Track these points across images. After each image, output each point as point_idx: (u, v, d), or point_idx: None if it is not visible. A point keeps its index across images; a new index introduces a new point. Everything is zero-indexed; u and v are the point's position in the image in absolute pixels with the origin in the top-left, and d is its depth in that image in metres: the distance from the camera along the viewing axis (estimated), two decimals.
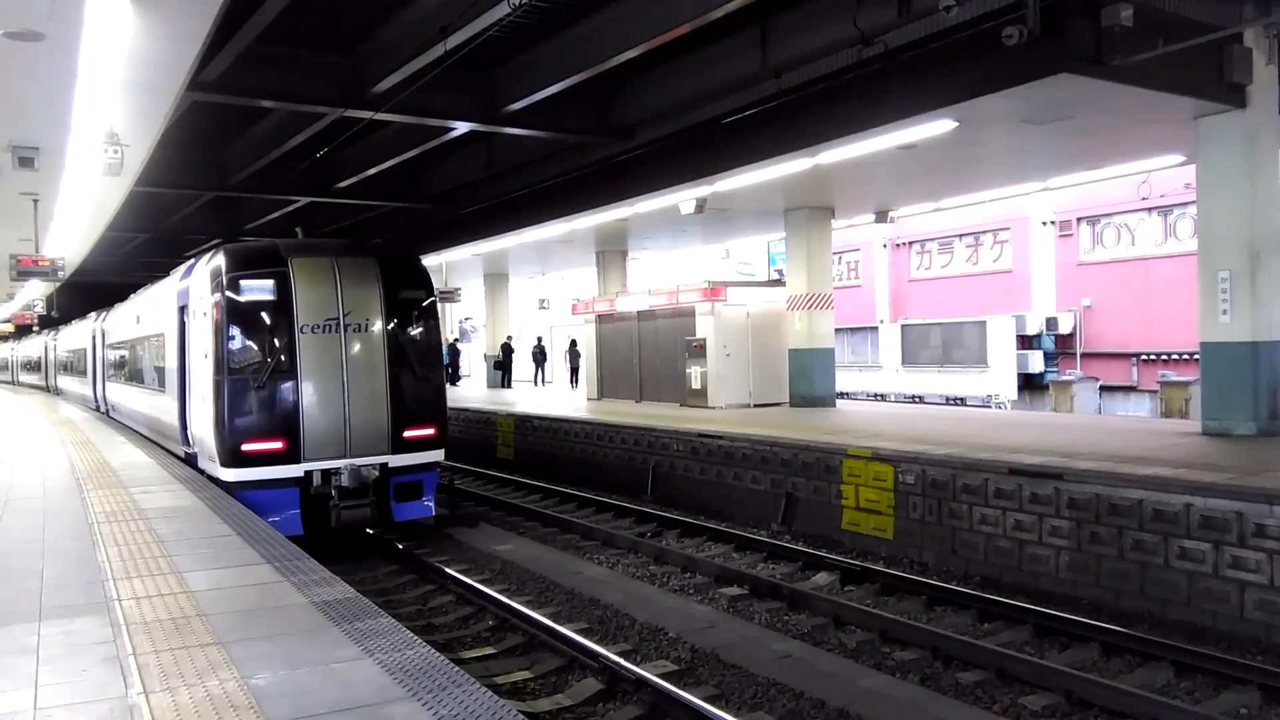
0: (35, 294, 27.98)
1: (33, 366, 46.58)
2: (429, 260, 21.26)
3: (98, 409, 24.14)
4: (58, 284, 23.91)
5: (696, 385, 18.41)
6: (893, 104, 10.96)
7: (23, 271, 14.19)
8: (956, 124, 11.04)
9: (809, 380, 18.09)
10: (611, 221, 18.60)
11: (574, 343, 29.10)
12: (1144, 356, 24.76)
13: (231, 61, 10.76)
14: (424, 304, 11.88)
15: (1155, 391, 22.13)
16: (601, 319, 21.85)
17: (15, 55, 6.93)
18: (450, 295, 27.58)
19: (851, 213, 19.78)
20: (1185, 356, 22.74)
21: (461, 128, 13.70)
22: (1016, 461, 9.77)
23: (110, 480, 10.81)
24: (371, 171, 16.52)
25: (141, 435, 16.76)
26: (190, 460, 12.48)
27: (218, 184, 17.67)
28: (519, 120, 13.22)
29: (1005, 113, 11.07)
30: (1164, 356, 24.05)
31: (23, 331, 47.17)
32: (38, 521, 8.34)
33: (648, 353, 20.39)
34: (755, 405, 18.33)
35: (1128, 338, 25.12)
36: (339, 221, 22.44)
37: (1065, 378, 24.52)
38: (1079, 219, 26.35)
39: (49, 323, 37.08)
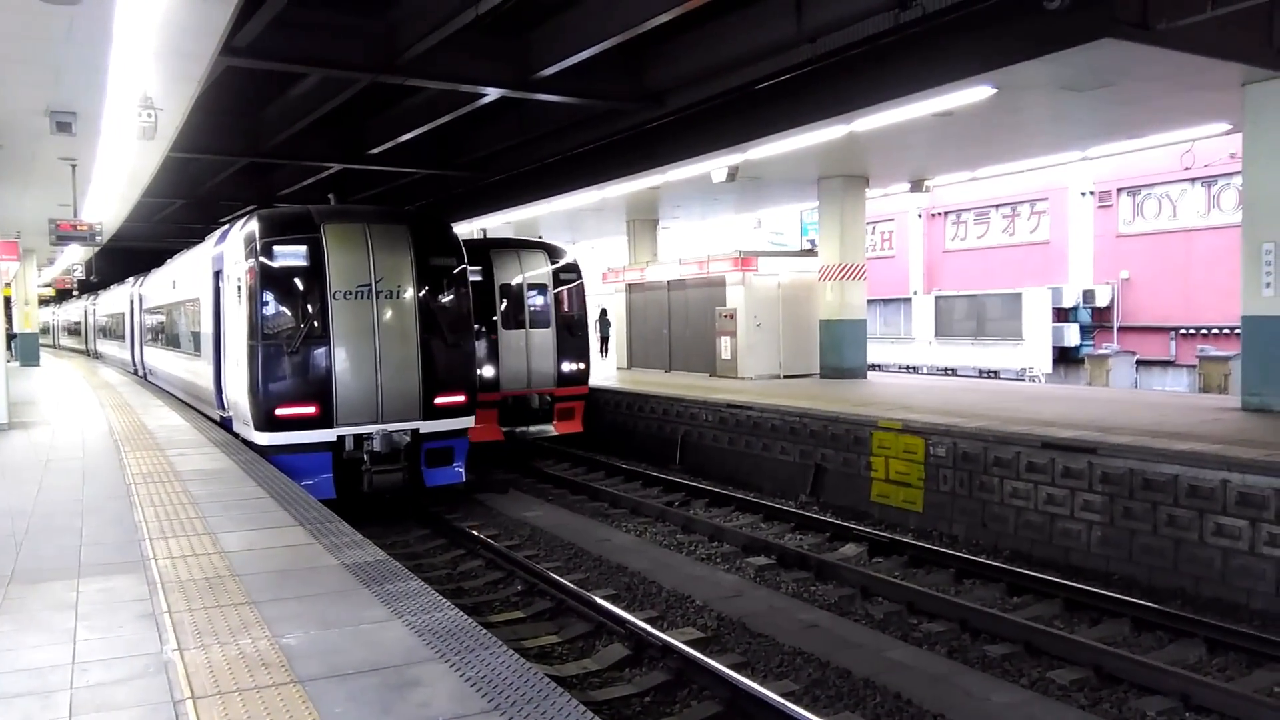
0: (75, 259, 28.38)
1: (73, 330, 47.39)
2: (461, 228, 21.27)
3: (135, 373, 24.54)
4: (96, 249, 24.21)
5: (726, 355, 18.35)
6: (930, 70, 10.73)
7: (62, 236, 14.33)
8: (995, 90, 10.81)
9: (840, 351, 17.96)
10: (643, 189, 18.46)
11: (604, 312, 29.10)
12: (1183, 330, 24.34)
13: (264, 26, 10.71)
14: (455, 271, 11.93)
15: (1194, 366, 21.77)
16: (632, 288, 21.80)
17: (51, 19, 6.96)
18: None
19: (886, 182, 19.50)
20: (1226, 331, 22.32)
21: (493, 94, 13.61)
22: (1049, 435, 9.66)
23: (147, 442, 11.00)
24: (404, 138, 16.46)
25: (178, 399, 17.02)
26: (225, 424, 12.65)
27: (252, 150, 17.71)
28: (551, 86, 13.11)
29: (1045, 79, 10.81)
30: (1203, 330, 23.63)
31: (63, 296, 47.94)
32: (77, 481, 8.52)
33: (678, 322, 20.35)
34: (785, 376, 18.25)
35: (1167, 311, 24.68)
36: (371, 188, 22.44)
37: (1101, 351, 24.18)
38: (1119, 189, 25.84)
39: (88, 287, 37.68)
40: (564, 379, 15.47)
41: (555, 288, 15.78)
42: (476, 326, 13.91)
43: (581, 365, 15.77)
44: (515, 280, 15.45)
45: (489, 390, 14.50)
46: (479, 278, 14.66)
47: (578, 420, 15.78)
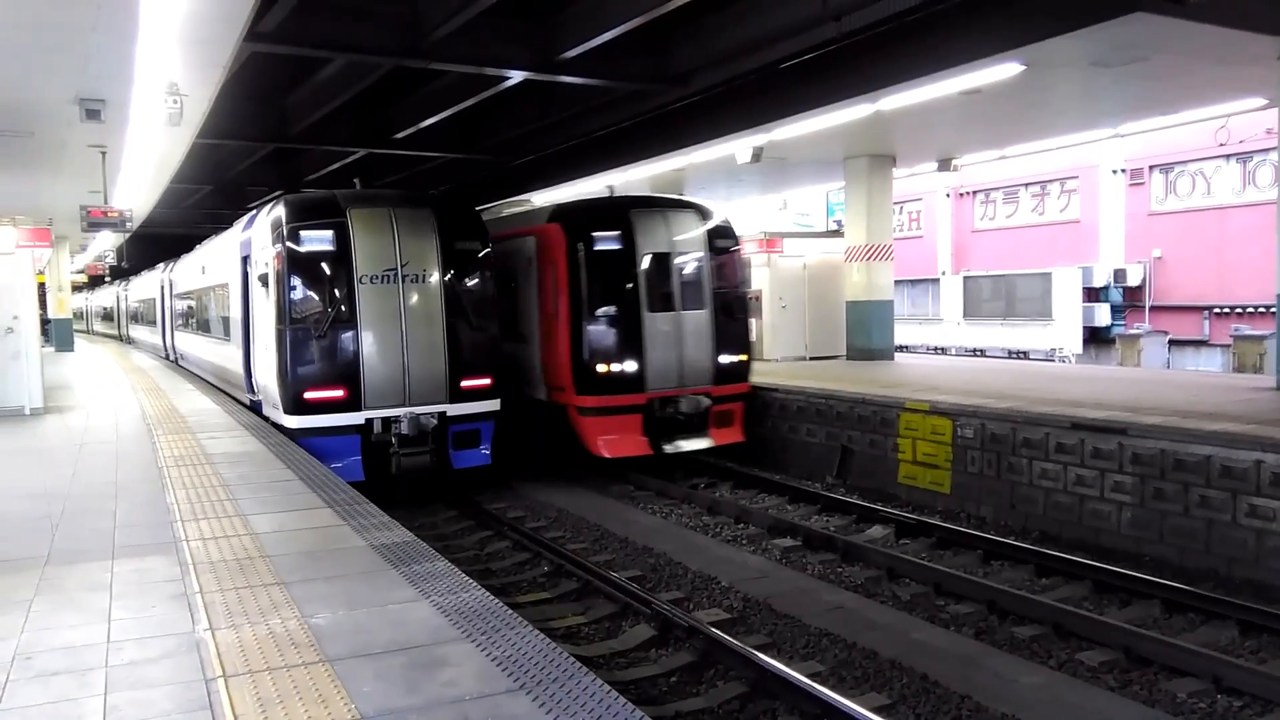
0: (106, 245, 28.71)
1: (106, 316, 48.01)
2: (485, 212, 21.32)
3: (167, 357, 24.84)
4: (127, 235, 24.46)
5: (752, 337, 18.25)
6: (958, 46, 10.59)
7: (93, 223, 14.49)
8: (1024, 67, 10.65)
9: (867, 333, 17.84)
10: (667, 171, 18.38)
11: None
12: (1217, 309, 23.95)
13: (288, 11, 10.75)
14: (480, 255, 11.95)
15: (1228, 346, 21.43)
16: None
17: (79, 8, 7.03)
18: None
19: (913, 161, 19.28)
20: (1261, 310, 21.96)
21: (516, 76, 13.59)
22: (1079, 416, 9.56)
23: (179, 426, 11.14)
24: (428, 122, 16.50)
25: (209, 383, 17.22)
26: (255, 407, 12.79)
27: (278, 136, 17.81)
28: (574, 68, 13.07)
29: (1075, 55, 10.63)
30: (1238, 309, 23.24)
31: (96, 282, 48.54)
32: (111, 464, 8.65)
33: None
34: (811, 358, 18.16)
35: (1200, 290, 24.29)
36: (396, 173, 22.53)
37: (1133, 331, 23.86)
38: (1151, 167, 25.40)
39: (120, 273, 38.12)
40: (722, 374, 12.83)
41: (712, 258, 13.00)
42: (613, 309, 12.32)
43: (743, 357, 13.19)
44: (663, 248, 12.66)
45: (631, 390, 12.20)
46: (617, 245, 12.41)
47: (738, 427, 13.14)
